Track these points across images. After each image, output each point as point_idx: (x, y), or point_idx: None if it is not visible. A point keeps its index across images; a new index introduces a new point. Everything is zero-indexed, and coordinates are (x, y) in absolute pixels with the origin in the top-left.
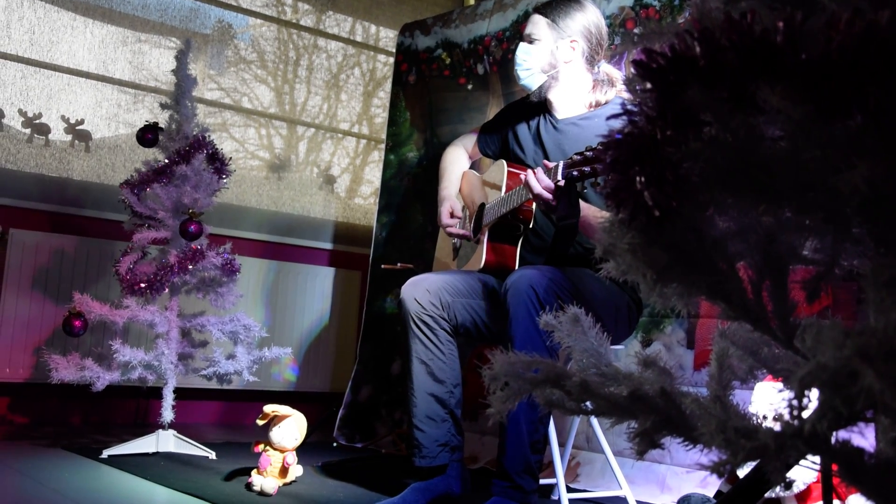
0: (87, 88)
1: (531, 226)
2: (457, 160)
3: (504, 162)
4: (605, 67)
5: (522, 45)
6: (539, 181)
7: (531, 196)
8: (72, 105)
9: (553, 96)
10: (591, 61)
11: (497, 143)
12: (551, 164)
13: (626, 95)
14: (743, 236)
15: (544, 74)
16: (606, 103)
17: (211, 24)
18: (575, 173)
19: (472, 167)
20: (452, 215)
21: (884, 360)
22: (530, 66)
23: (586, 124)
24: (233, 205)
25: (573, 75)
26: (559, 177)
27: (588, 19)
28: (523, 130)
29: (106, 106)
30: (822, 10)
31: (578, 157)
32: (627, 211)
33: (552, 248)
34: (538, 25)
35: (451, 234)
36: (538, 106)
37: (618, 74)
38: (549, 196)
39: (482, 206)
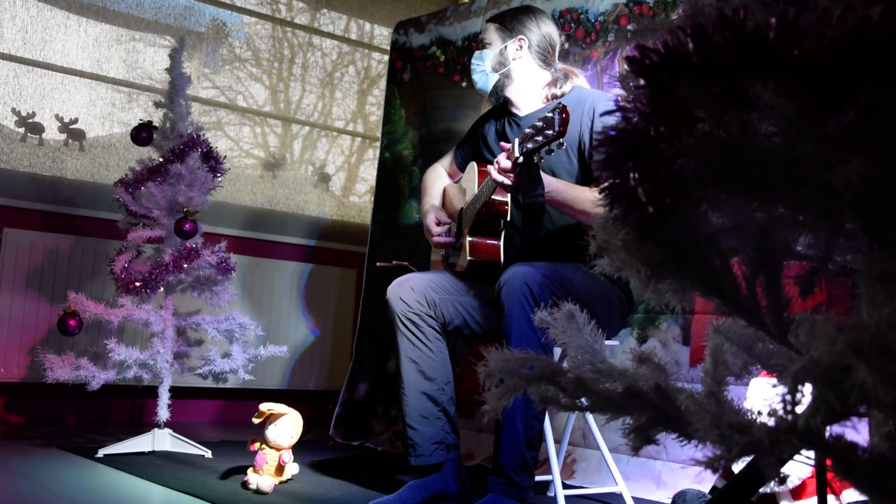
0: (81, 87)
1: (508, 218)
2: (437, 178)
3: (474, 163)
4: (562, 66)
5: (476, 52)
6: (497, 164)
7: (493, 179)
8: (65, 104)
9: (510, 94)
10: (545, 59)
11: (469, 153)
12: (507, 146)
13: (583, 83)
14: (737, 232)
15: (496, 74)
16: (563, 95)
17: (205, 23)
18: (530, 146)
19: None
20: (439, 223)
21: (877, 355)
22: (483, 68)
23: (605, 118)
24: (228, 203)
25: (525, 71)
26: (517, 153)
27: (536, 21)
28: (491, 134)
29: (100, 105)
30: (815, 6)
31: (531, 131)
32: (621, 207)
33: (524, 230)
34: (489, 31)
35: (437, 245)
36: (501, 109)
37: (576, 70)
38: (510, 177)
39: (461, 210)
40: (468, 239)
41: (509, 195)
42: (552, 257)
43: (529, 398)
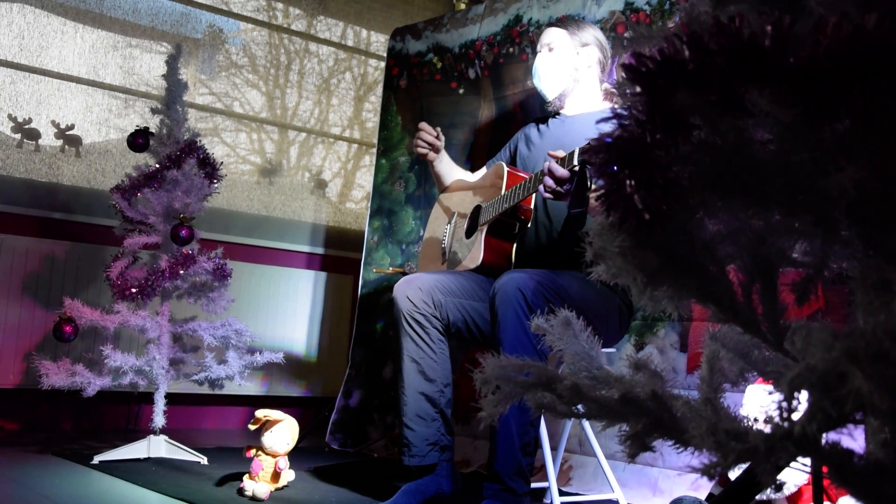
0: (78, 93)
1: (528, 225)
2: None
3: (503, 163)
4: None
5: (542, 54)
6: (549, 170)
7: (545, 186)
8: (62, 110)
9: (570, 101)
10: (604, 70)
11: (506, 156)
12: (563, 154)
13: None
14: (733, 239)
15: (566, 79)
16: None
17: (202, 29)
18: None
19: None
20: (438, 138)
21: (872, 362)
22: (552, 71)
23: (592, 117)
24: (224, 209)
25: (591, 81)
26: (575, 162)
27: (597, 31)
28: (534, 133)
29: (96, 111)
30: (810, 14)
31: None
32: (617, 214)
33: (560, 238)
34: (555, 35)
35: (419, 144)
36: (548, 115)
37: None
38: (564, 187)
39: (478, 207)
40: (486, 239)
41: (533, 202)
42: (556, 265)
43: (524, 405)
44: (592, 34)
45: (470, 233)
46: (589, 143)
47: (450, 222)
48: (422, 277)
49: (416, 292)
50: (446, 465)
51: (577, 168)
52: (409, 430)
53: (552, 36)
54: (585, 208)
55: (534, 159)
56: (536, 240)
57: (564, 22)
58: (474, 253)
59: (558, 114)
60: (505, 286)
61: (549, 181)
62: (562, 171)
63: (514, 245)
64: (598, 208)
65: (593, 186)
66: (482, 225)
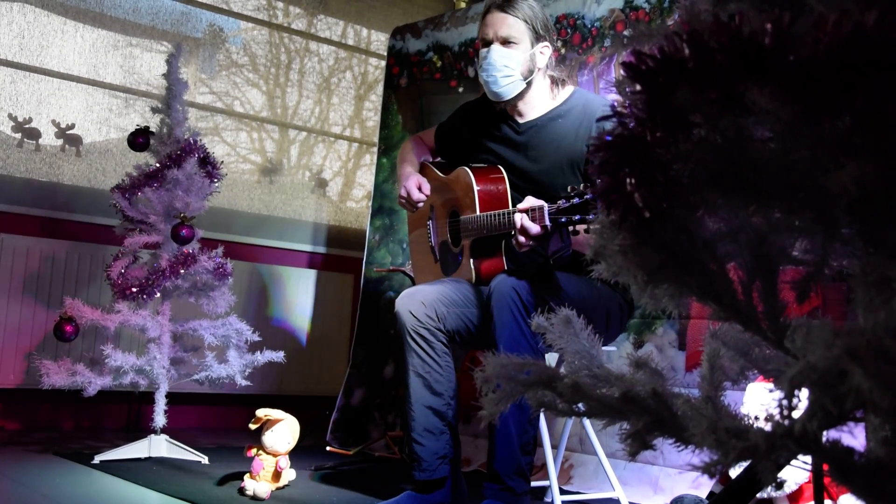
0: (78, 93)
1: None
2: (416, 146)
3: (468, 169)
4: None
5: (499, 49)
6: (521, 226)
7: (517, 243)
8: (62, 109)
9: (522, 103)
10: (550, 59)
11: (456, 145)
12: (534, 205)
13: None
14: (733, 237)
15: (523, 82)
16: (564, 101)
17: (202, 28)
18: (563, 219)
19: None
20: (420, 189)
21: (873, 360)
22: (512, 72)
23: (555, 124)
24: (224, 209)
25: (542, 80)
26: (546, 221)
27: (544, 14)
28: (491, 139)
29: (97, 110)
30: (810, 12)
31: (564, 204)
32: (618, 212)
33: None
34: (514, 27)
35: (411, 206)
36: (499, 113)
37: (566, 73)
38: (537, 242)
39: (455, 213)
40: (473, 259)
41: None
42: (550, 268)
43: (523, 403)
44: (542, 21)
45: (456, 241)
46: (558, 205)
47: (430, 218)
48: (423, 291)
49: (419, 307)
50: (451, 475)
51: (548, 225)
52: (418, 444)
53: (509, 27)
54: (563, 253)
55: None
56: (529, 257)
57: (515, 6)
58: (464, 271)
59: (511, 119)
60: (500, 287)
61: (522, 238)
62: (535, 229)
63: (504, 255)
64: (586, 242)
65: (577, 228)
66: (465, 241)
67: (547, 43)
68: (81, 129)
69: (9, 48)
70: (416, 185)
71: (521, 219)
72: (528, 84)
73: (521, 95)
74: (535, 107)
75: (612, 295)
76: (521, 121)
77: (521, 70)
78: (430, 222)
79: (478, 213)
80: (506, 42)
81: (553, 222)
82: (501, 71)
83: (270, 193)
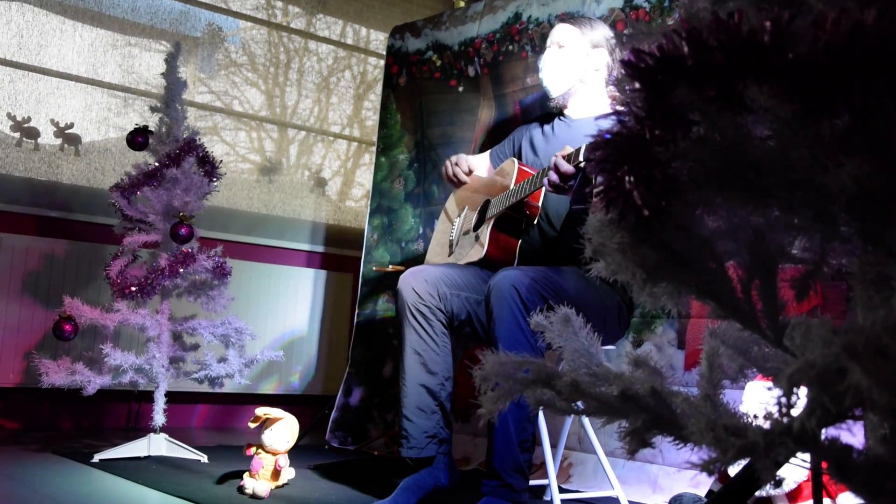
0: (77, 92)
1: (535, 221)
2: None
3: (514, 159)
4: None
5: (552, 50)
6: (555, 166)
7: (549, 181)
8: (61, 109)
9: (574, 102)
10: (610, 73)
11: (508, 154)
12: (571, 150)
13: None
14: (732, 235)
15: (572, 79)
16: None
17: (201, 27)
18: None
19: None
20: (469, 173)
21: (871, 358)
22: (559, 69)
23: (588, 120)
24: (223, 208)
25: (597, 84)
26: (580, 158)
27: (608, 32)
28: (538, 134)
29: (96, 109)
30: (809, 10)
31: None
32: (617, 210)
33: (559, 235)
34: (566, 32)
35: (451, 176)
36: (551, 114)
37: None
38: (565, 183)
39: (487, 201)
40: (491, 233)
41: (541, 200)
42: (556, 262)
43: (522, 401)
44: (603, 35)
45: (478, 226)
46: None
47: (460, 215)
48: (427, 269)
49: (421, 284)
50: (444, 458)
51: (582, 164)
52: (408, 421)
53: (563, 33)
54: (587, 205)
55: (539, 164)
56: (540, 236)
57: (578, 20)
58: (479, 247)
59: (562, 114)
60: (499, 283)
61: (554, 176)
62: (567, 167)
63: (520, 242)
64: (598, 204)
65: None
66: (489, 218)
67: (603, 49)
68: (80, 128)
69: (7, 47)
70: (465, 164)
71: (556, 157)
72: (576, 85)
73: (570, 94)
74: (585, 108)
75: (612, 295)
76: (572, 116)
77: (569, 71)
78: (457, 219)
79: (512, 185)
80: (559, 46)
81: (587, 161)
82: (549, 69)
83: (269, 192)
